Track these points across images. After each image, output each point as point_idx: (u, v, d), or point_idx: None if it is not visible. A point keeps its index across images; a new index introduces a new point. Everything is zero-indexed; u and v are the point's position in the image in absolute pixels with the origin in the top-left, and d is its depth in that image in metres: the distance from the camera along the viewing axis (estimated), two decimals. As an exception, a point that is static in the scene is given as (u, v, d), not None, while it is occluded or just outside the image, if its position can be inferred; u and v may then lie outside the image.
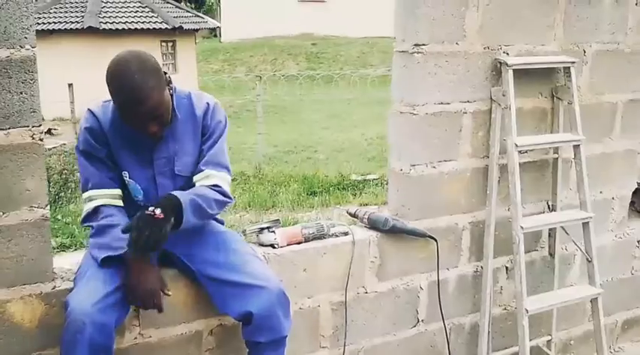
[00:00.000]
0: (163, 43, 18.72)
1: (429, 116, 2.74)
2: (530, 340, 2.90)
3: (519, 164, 2.81)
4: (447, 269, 2.94)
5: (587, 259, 3.07)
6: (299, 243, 2.63)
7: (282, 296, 2.24)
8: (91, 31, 17.35)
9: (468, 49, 2.75)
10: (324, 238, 2.69)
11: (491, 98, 2.84)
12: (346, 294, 2.71)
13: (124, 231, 2.08)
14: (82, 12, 17.88)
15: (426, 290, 2.91)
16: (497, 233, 2.94)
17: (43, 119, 2.15)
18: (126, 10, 18.39)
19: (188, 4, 31.75)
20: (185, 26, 18.97)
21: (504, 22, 2.81)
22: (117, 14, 18.11)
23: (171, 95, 2.25)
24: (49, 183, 5.95)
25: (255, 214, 7.54)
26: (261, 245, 2.60)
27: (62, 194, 7.56)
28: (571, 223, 3.04)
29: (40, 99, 2.08)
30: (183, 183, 2.31)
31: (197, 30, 20.91)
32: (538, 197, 3.09)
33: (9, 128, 2.03)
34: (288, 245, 2.61)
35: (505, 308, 3.15)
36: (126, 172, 2.27)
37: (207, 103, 2.35)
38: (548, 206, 3.12)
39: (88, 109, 2.27)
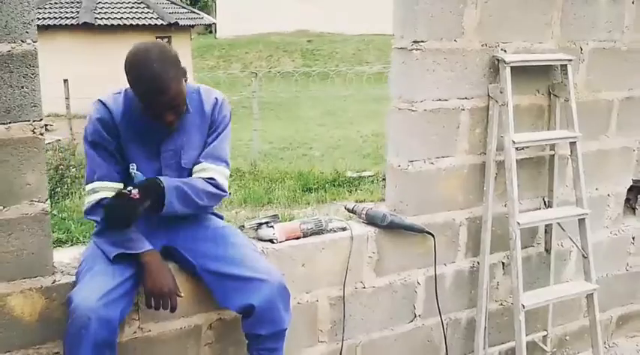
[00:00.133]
0: (159, 39, 18.66)
1: (427, 112, 2.75)
2: (527, 335, 2.93)
3: (516, 160, 2.83)
4: (444, 264, 2.96)
5: (582, 255, 3.09)
6: (297, 238, 2.65)
7: (282, 289, 2.25)
8: (87, 27, 17.28)
9: (466, 46, 2.77)
10: (323, 233, 2.70)
11: (488, 95, 2.86)
12: (344, 289, 2.72)
13: (103, 206, 2.15)
14: (77, 8, 17.81)
15: (423, 285, 2.93)
16: (494, 229, 2.96)
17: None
18: (121, 5, 18.32)
19: (183, 0, 31.64)
20: (180, 22, 18.89)
21: (502, 20, 2.82)
22: (112, 10, 18.03)
23: None
24: (45, 178, 5.91)
25: (250, 210, 7.55)
26: (260, 240, 2.61)
27: (58, 189, 7.55)
28: (567, 219, 3.06)
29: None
30: (188, 176, 2.32)
31: (192, 26, 20.83)
32: (535, 193, 3.11)
33: (10, 122, 2.03)
34: (286, 240, 2.62)
35: (501, 304, 3.17)
36: (134, 164, 2.28)
37: (216, 98, 2.37)
38: (545, 202, 3.14)
39: (99, 100, 2.26)
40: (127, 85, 2.22)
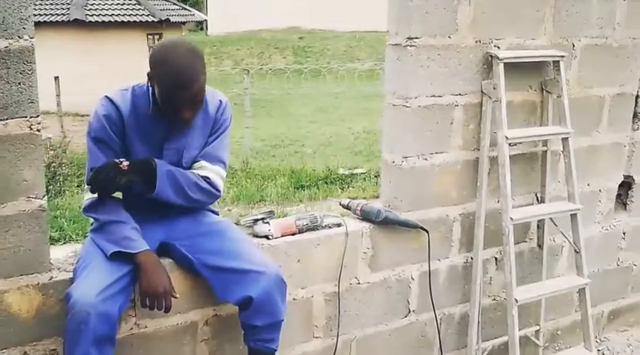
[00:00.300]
0: (150, 36, 18.56)
1: (421, 109, 2.77)
2: (519, 330, 2.95)
3: (509, 156, 2.85)
4: (438, 260, 2.98)
5: (575, 250, 3.12)
6: (293, 234, 2.66)
7: (280, 281, 2.28)
8: (77, 24, 17.18)
9: (460, 43, 2.79)
10: (318, 229, 2.72)
11: (482, 91, 2.87)
12: (339, 285, 2.74)
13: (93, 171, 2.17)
14: (68, 4, 17.71)
15: (417, 280, 2.95)
16: (487, 224, 2.99)
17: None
18: (112, 2, 18.24)
19: (174, -3, 31.49)
20: (172, 19, 18.83)
21: (496, 16, 2.84)
22: (103, 7, 17.94)
23: None
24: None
25: (243, 208, 7.54)
26: (256, 236, 2.62)
27: (50, 187, 7.51)
28: (559, 215, 3.09)
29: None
30: None
31: (184, 23, 20.77)
32: (527, 189, 3.14)
33: (7, 118, 2.03)
34: (282, 236, 2.63)
35: (494, 299, 3.20)
36: None
37: (220, 101, 2.39)
38: (537, 198, 3.17)
39: (106, 96, 2.25)
40: (127, 84, 2.23)
